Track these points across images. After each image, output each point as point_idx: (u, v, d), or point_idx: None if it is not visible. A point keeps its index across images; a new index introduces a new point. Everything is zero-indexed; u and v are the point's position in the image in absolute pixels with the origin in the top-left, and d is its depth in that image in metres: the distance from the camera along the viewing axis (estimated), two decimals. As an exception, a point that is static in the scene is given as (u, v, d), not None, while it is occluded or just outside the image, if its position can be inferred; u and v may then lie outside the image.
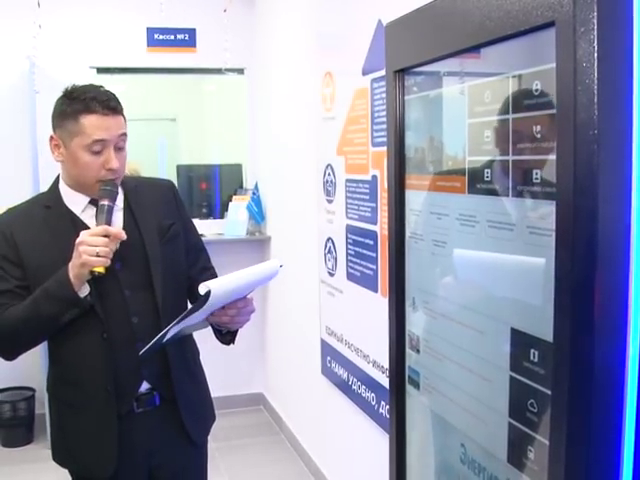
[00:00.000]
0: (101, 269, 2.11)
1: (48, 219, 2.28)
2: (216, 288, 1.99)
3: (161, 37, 5.66)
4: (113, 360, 2.26)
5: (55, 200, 2.31)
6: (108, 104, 2.18)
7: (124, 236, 2.17)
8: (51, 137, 2.26)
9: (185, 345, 2.46)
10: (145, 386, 2.33)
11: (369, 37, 3.33)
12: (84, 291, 2.16)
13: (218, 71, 5.63)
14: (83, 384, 2.31)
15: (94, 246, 2.09)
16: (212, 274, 2.53)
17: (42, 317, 2.17)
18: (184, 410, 2.38)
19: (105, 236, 2.12)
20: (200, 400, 2.51)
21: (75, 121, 2.17)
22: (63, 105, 2.21)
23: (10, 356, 2.33)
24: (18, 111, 5.22)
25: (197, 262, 2.52)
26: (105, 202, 2.19)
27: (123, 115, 2.27)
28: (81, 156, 2.19)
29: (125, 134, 2.26)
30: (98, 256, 2.09)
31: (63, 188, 2.32)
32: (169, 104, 7.59)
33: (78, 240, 2.11)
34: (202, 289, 1.97)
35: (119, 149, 2.24)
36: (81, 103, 2.17)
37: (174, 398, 2.35)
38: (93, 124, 2.16)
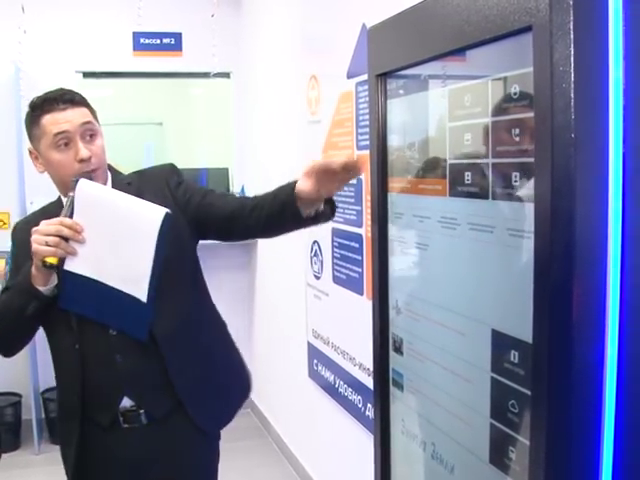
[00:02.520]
0: (52, 260, 2.03)
1: None
2: (86, 182, 2.00)
3: (147, 41, 5.66)
4: (85, 372, 2.20)
5: (56, 207, 2.26)
6: (62, 98, 2.16)
7: (80, 228, 2.07)
8: (29, 151, 2.25)
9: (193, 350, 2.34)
10: (130, 402, 2.25)
11: (354, 41, 3.34)
12: (50, 283, 2.11)
13: (204, 75, 5.65)
14: (61, 391, 2.32)
15: (45, 235, 2.03)
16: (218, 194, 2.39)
17: (12, 309, 2.14)
18: (197, 414, 2.31)
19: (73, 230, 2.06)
20: (216, 392, 2.41)
21: (37, 126, 2.17)
22: (27, 116, 2.21)
23: (4, 350, 2.33)
24: (3, 116, 5.20)
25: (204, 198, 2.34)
26: (72, 193, 2.11)
27: (87, 106, 2.23)
28: (51, 156, 2.16)
29: (90, 122, 2.20)
30: (48, 246, 2.02)
31: (60, 195, 2.28)
32: (155, 108, 7.58)
33: (33, 229, 2.07)
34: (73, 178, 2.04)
35: (89, 139, 2.18)
36: (40, 107, 2.16)
37: (167, 415, 2.27)
38: (51, 120, 2.14)
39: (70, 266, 2.09)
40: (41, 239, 2.03)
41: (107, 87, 6.51)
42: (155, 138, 7.57)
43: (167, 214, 2.06)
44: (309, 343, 4.36)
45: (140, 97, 7.09)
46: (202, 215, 2.28)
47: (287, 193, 2.04)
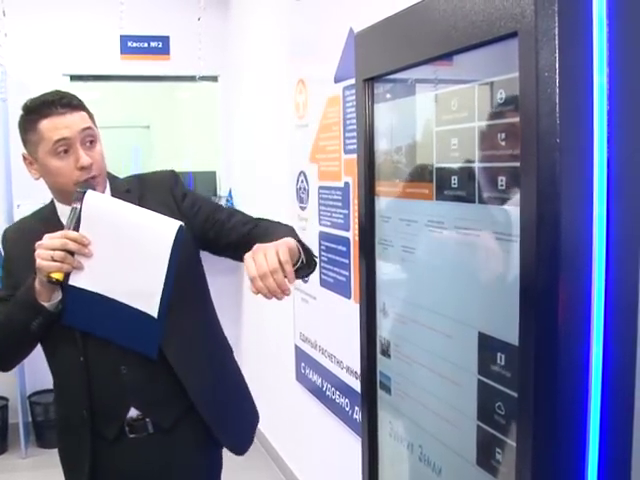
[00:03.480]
0: (58, 275, 1.97)
1: (41, 232, 2.07)
2: (94, 195, 1.97)
3: (135, 45, 5.66)
4: (91, 384, 2.16)
5: (50, 213, 2.20)
6: (61, 102, 2.07)
7: (86, 241, 2.01)
8: (23, 156, 2.17)
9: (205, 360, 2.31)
10: (136, 412, 2.21)
11: (341, 45, 3.35)
12: (54, 298, 2.04)
13: (192, 79, 5.64)
14: (65, 405, 2.27)
15: (50, 250, 1.96)
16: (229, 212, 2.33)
17: (13, 323, 2.07)
18: (215, 421, 2.28)
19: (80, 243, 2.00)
20: (232, 402, 2.40)
21: (35, 130, 2.07)
22: (22, 120, 2.13)
23: (2, 364, 2.27)
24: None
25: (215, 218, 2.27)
26: (77, 205, 2.02)
27: (85, 110, 2.15)
28: (50, 163, 2.08)
29: (90, 128, 2.12)
30: (54, 261, 1.96)
31: (55, 201, 2.21)
32: (143, 111, 7.58)
33: (37, 244, 1.99)
34: (80, 188, 2.00)
35: (89, 145, 2.11)
36: (36, 112, 2.07)
37: (173, 425, 2.23)
38: (50, 126, 2.05)
39: (75, 281, 2.03)
40: (46, 254, 1.96)
41: (94, 90, 6.50)
42: (142, 141, 7.57)
43: (181, 227, 2.01)
44: (296, 346, 4.36)
45: (127, 100, 7.09)
46: (211, 233, 2.23)
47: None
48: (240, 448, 2.43)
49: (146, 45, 5.68)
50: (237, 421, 2.42)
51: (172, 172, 2.36)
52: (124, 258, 2.05)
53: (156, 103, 7.41)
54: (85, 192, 2.02)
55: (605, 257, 1.14)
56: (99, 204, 2.03)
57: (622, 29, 1.10)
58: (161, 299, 2.04)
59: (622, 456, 1.18)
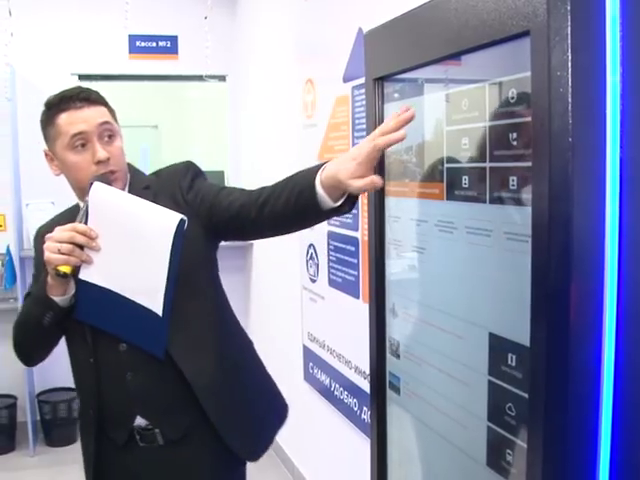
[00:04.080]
0: (66, 269, 1.94)
1: None
2: (100, 186, 1.95)
3: (143, 44, 5.66)
4: (100, 386, 2.13)
5: (73, 212, 2.15)
6: (78, 96, 2.06)
7: (94, 235, 1.99)
8: (45, 153, 2.15)
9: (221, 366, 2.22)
10: (144, 421, 2.15)
11: (350, 45, 3.35)
12: (68, 292, 2.02)
13: (200, 78, 5.64)
14: (80, 402, 2.27)
15: (58, 242, 1.94)
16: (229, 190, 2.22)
17: (30, 318, 2.07)
18: (228, 433, 2.18)
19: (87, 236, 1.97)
20: (248, 405, 2.30)
21: (53, 125, 2.07)
22: (43, 116, 2.11)
23: (25, 359, 2.24)
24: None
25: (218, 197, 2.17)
26: (88, 198, 2.00)
27: (105, 105, 2.14)
28: (67, 158, 2.06)
29: (108, 122, 2.10)
30: (62, 254, 1.93)
31: (77, 199, 2.18)
32: (151, 111, 7.58)
33: (46, 236, 1.99)
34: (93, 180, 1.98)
35: (108, 139, 2.09)
36: (55, 106, 2.06)
37: (184, 437, 2.16)
38: (67, 120, 2.04)
39: (85, 275, 2.01)
40: (54, 246, 1.94)
41: (103, 90, 6.48)
42: (151, 141, 7.55)
43: (181, 220, 1.95)
44: (305, 346, 4.36)
45: (136, 100, 7.08)
46: (215, 216, 2.13)
47: (308, 184, 1.82)
48: (254, 454, 2.31)
49: (154, 44, 5.69)
50: (253, 425, 2.31)
51: (185, 164, 2.29)
52: (128, 253, 2.02)
53: (164, 103, 7.42)
54: (90, 184, 2.00)
55: (617, 258, 1.13)
56: (104, 197, 2.00)
57: (635, 28, 1.10)
58: (165, 296, 2.00)
59: (634, 458, 1.17)
